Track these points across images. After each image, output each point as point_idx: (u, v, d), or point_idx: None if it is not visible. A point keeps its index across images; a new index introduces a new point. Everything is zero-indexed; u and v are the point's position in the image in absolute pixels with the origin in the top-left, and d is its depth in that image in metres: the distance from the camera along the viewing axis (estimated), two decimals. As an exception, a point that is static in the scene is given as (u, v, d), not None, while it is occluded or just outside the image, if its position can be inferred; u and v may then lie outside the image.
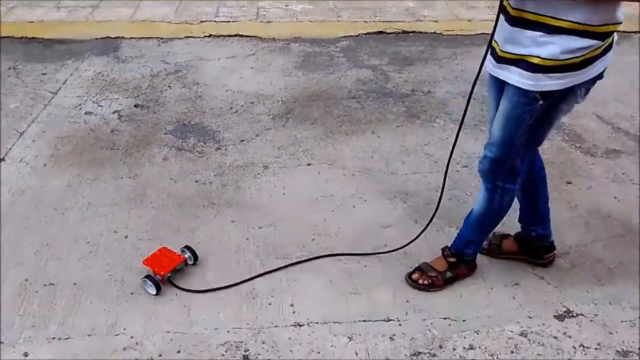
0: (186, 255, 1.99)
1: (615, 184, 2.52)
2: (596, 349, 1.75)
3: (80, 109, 3.04)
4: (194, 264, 2.01)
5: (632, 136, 2.88)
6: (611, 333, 1.81)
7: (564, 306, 1.90)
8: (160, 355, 1.69)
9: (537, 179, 1.97)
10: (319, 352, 1.72)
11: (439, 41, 3.89)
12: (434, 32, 4.01)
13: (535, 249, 2.04)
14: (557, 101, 1.63)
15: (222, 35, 3.91)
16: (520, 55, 1.55)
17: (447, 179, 1.96)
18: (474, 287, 1.97)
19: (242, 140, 2.78)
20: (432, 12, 4.31)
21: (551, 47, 1.49)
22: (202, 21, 4.11)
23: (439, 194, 2.01)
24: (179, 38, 3.90)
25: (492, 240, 2.11)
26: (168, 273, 1.90)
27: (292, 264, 2.03)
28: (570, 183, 2.51)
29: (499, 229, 2.04)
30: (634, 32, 4.08)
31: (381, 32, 3.99)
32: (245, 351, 1.72)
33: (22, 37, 3.88)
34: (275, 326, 1.80)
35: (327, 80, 3.36)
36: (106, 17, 4.19)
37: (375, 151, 2.71)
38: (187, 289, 1.91)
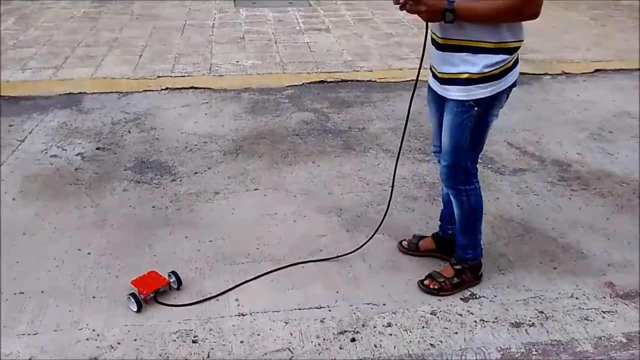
0: (171, 280, 2.18)
1: (519, 195, 2.94)
2: (494, 322, 2.09)
3: (46, 153, 3.32)
4: (178, 288, 2.18)
5: (536, 157, 3.34)
6: (507, 310, 2.15)
7: (469, 291, 2.24)
8: (119, 344, 1.93)
9: None
10: (258, 335, 1.99)
11: (374, 87, 4.37)
12: (369, 80, 4.50)
13: (449, 247, 2.39)
14: (488, 106, 1.99)
15: (177, 88, 4.29)
16: (454, 73, 1.94)
17: (392, 195, 2.38)
18: (394, 279, 2.30)
19: (195, 173, 3.10)
20: (367, 64, 4.84)
21: (476, 64, 1.89)
22: (159, 76, 4.50)
23: (385, 210, 2.39)
24: (138, 92, 4.25)
25: (411, 240, 2.46)
26: (150, 293, 2.09)
27: (264, 274, 2.32)
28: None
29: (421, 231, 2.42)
30: (542, 74, 4.68)
31: (323, 82, 4.46)
32: (194, 337, 1.97)
33: (-12, 95, 4.17)
34: (222, 317, 2.07)
35: (274, 122, 3.75)
36: (69, 76, 4.52)
37: (315, 177, 3.08)
38: (166, 303, 2.11)
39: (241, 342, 1.96)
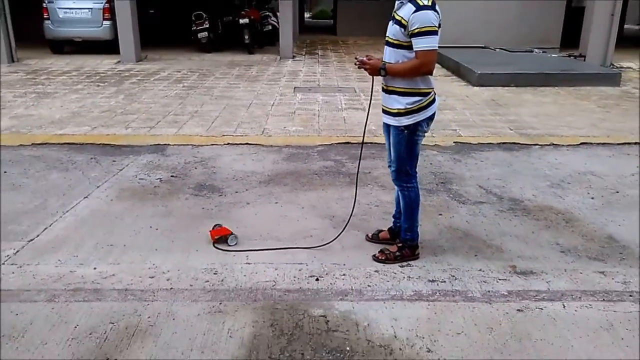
0: (231, 235, 3.40)
1: (471, 216, 3.86)
2: (416, 278, 3.01)
3: (136, 177, 4.66)
4: (235, 244, 3.37)
5: (497, 195, 4.25)
6: (429, 272, 3.07)
7: (407, 263, 3.18)
8: (169, 271, 3.04)
9: None
10: (256, 273, 3.04)
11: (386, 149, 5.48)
12: (384, 143, 5.62)
13: (395, 236, 3.36)
14: (413, 130, 3.03)
15: (235, 143, 5.63)
16: (390, 108, 3.05)
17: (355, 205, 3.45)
18: (356, 254, 3.28)
19: (236, 192, 4.29)
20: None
21: (402, 102, 2.98)
22: (223, 135, 5.89)
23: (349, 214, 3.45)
24: (206, 145, 5.63)
25: (373, 233, 3.45)
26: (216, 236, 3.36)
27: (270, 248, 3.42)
28: (441, 215, 3.85)
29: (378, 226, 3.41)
30: (532, 144, 5.60)
31: (347, 142, 5.64)
32: (215, 271, 3.05)
33: (100, 144, 5.69)
34: (235, 263, 3.14)
35: (301, 166, 4.94)
36: (158, 133, 6.02)
37: (321, 198, 4.17)
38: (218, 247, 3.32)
39: (244, 275, 3.02)
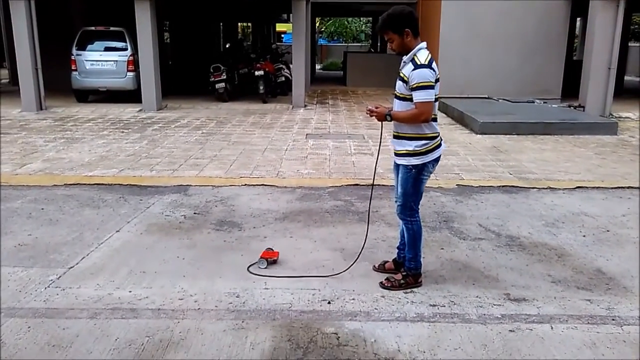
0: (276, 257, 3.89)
1: (470, 250, 4.19)
2: (419, 303, 3.33)
3: (162, 214, 5.07)
4: (265, 267, 3.79)
5: (495, 233, 4.59)
6: (430, 298, 3.39)
7: (410, 289, 3.50)
8: (196, 294, 3.39)
9: None
10: (274, 297, 3.38)
11: (393, 190, 5.86)
12: (392, 185, 6.01)
13: (400, 267, 3.70)
14: (421, 170, 3.44)
15: (252, 184, 6.06)
16: (400, 150, 3.46)
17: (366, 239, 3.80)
18: (364, 282, 3.62)
19: (254, 227, 4.67)
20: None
21: (410, 145, 3.39)
22: (241, 177, 6.33)
23: (360, 247, 3.80)
24: (225, 186, 6.05)
25: (380, 263, 3.80)
26: (269, 258, 3.84)
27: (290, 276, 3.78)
28: (442, 249, 4.20)
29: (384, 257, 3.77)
30: (530, 188, 5.97)
31: (357, 184, 6.05)
32: (237, 294, 3.39)
33: (127, 184, 6.13)
34: (255, 289, 3.48)
35: (314, 205, 5.33)
36: (181, 175, 6.47)
37: (332, 233, 4.54)
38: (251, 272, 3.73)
39: (263, 299, 3.36)
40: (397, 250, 3.81)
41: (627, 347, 2.92)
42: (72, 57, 12.30)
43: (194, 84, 15.11)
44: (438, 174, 6.49)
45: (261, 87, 12.94)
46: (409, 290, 3.50)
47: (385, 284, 3.53)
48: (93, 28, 12.49)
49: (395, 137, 3.50)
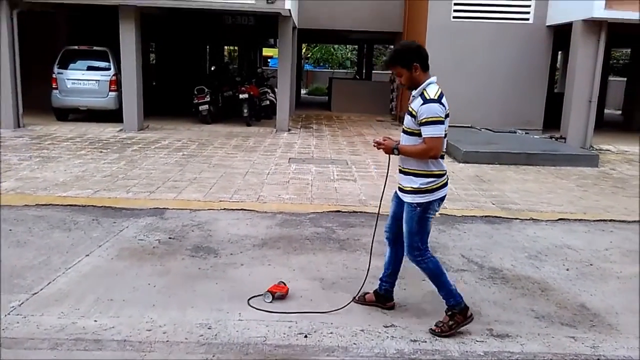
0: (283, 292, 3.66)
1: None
2: (400, 338, 3.19)
3: (135, 237, 4.88)
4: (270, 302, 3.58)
5: (478, 264, 4.50)
6: (411, 332, 3.25)
7: (392, 324, 3.37)
8: (166, 324, 3.21)
9: (397, 255, 3.57)
10: (248, 329, 3.21)
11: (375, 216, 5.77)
12: (374, 213, 5.91)
13: (384, 299, 3.57)
14: (426, 208, 3.30)
15: (232, 209, 5.90)
16: (406, 187, 3.33)
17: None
18: (347, 313, 3.47)
19: (231, 254, 4.51)
20: (377, 202, 6.29)
21: (416, 182, 3.28)
22: (220, 201, 6.17)
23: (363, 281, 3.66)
24: (204, 209, 5.89)
25: (360, 295, 3.66)
26: (277, 292, 3.62)
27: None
28: (424, 280, 4.04)
29: (365, 288, 3.64)
30: (513, 219, 5.91)
31: (338, 211, 5.94)
32: (208, 328, 3.22)
33: (102, 206, 5.94)
34: (229, 320, 3.32)
35: (294, 231, 5.19)
36: (158, 197, 6.29)
37: (311, 262, 4.40)
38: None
39: (237, 331, 3.20)
40: (379, 282, 3.67)
41: (614, 388, 2.82)
42: (54, 76, 12.12)
43: (177, 106, 14.99)
44: (421, 202, 6.42)
45: (245, 110, 12.87)
46: (389, 324, 3.37)
47: (435, 330, 3.31)
48: (76, 47, 12.35)
49: (401, 171, 3.39)
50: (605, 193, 7.36)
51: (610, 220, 6.01)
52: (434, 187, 3.28)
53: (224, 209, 5.91)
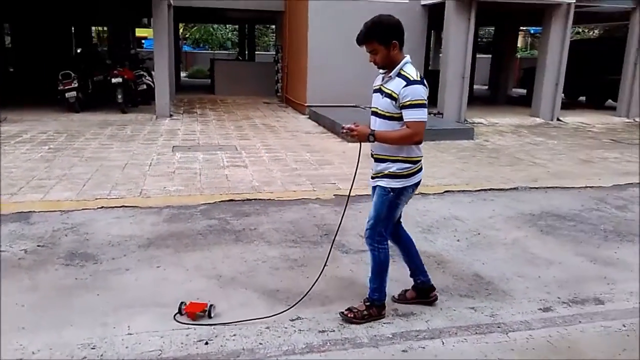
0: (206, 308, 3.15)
1: (354, 264, 4.03)
2: (307, 330, 3.04)
3: (-4, 249, 4.22)
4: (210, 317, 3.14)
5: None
6: (318, 323, 3.11)
7: (298, 317, 3.20)
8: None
9: (406, 245, 3.40)
10: (140, 344, 2.86)
11: (271, 204, 5.58)
12: (268, 199, 5.72)
13: (423, 292, 3.40)
14: (399, 194, 3.10)
15: (110, 207, 5.35)
16: (381, 171, 3.09)
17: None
18: (249, 311, 3.24)
19: (113, 258, 4.05)
20: (270, 188, 6.11)
21: (393, 168, 3.05)
22: (96, 198, 5.57)
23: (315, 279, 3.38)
24: (77, 210, 5.26)
25: (400, 293, 3.46)
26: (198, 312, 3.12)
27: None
28: (326, 265, 3.96)
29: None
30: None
31: (231, 200, 5.64)
32: (92, 347, 2.82)
33: (-50, 215, 5.09)
34: (115, 335, 2.93)
35: (184, 226, 4.82)
36: (21, 200, 5.52)
37: (207, 257, 4.09)
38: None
39: (126, 347, 2.83)
40: (412, 279, 3.47)
41: (516, 354, 2.91)
42: None
43: (40, 93, 13.46)
44: (315, 184, 6.33)
45: (119, 96, 11.86)
46: (295, 316, 3.20)
47: (347, 315, 3.16)
48: None
49: (375, 158, 3.16)
50: (483, 164, 7.82)
51: (490, 189, 6.37)
52: (410, 172, 3.11)
53: (102, 207, 5.35)
